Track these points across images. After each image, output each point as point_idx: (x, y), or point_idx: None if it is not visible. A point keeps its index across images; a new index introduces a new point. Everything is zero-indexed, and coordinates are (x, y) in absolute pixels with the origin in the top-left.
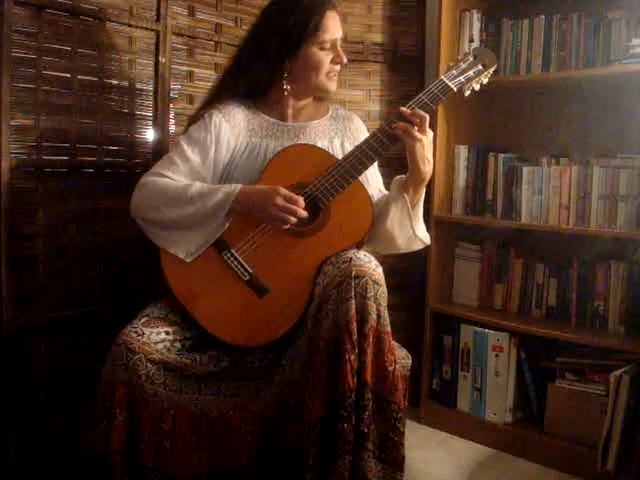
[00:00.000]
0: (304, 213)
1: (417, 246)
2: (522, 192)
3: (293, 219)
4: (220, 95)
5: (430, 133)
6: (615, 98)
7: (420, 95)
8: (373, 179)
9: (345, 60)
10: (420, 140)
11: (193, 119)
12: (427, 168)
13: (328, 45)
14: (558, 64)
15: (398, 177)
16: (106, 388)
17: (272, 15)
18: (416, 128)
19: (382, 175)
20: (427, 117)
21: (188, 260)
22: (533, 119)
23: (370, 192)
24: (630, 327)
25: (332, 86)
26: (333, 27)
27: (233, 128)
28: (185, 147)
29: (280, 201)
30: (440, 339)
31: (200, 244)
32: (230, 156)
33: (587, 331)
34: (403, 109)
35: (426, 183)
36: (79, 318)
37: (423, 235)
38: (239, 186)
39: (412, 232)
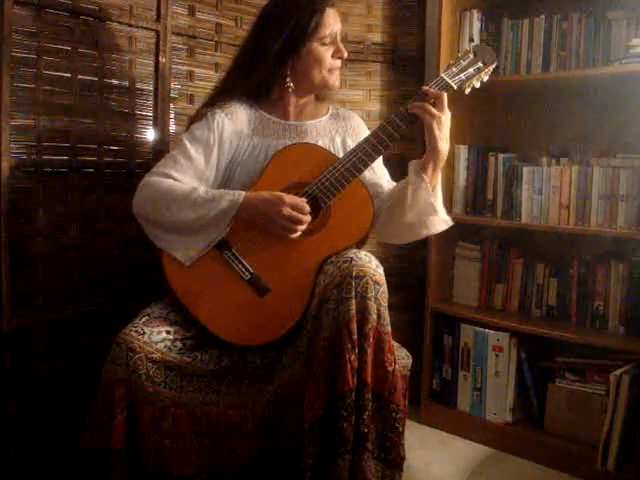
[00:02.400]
0: (309, 219)
1: (441, 227)
2: (522, 192)
3: (301, 228)
4: (222, 94)
5: (448, 113)
6: (615, 98)
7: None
8: (380, 170)
9: (345, 54)
10: (439, 117)
11: (195, 117)
12: (445, 146)
13: (328, 40)
14: (558, 64)
15: (414, 161)
16: (106, 387)
17: (273, 14)
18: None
19: None
20: (444, 94)
21: (187, 264)
22: (533, 119)
23: (380, 181)
24: (630, 327)
25: (335, 81)
26: (333, 22)
27: (235, 127)
28: (188, 146)
29: (287, 211)
30: (440, 339)
31: (200, 249)
32: (232, 155)
33: (587, 331)
34: (426, 87)
35: (444, 162)
36: (79, 318)
37: (446, 216)
38: (243, 194)
39: (436, 211)
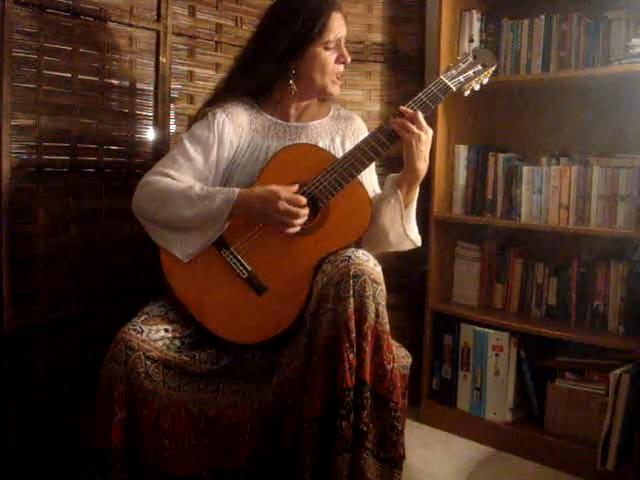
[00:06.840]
0: (306, 212)
1: (407, 246)
2: (522, 192)
3: (298, 222)
4: (224, 94)
5: (430, 131)
6: (615, 98)
7: (419, 95)
8: (368, 178)
9: (349, 60)
10: (418, 136)
11: (196, 117)
12: (423, 165)
13: (333, 45)
14: (558, 64)
15: (392, 175)
16: (105, 386)
17: (278, 15)
18: (415, 125)
19: (381, 175)
20: (418, 114)
21: (185, 261)
22: (533, 119)
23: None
24: (630, 327)
25: (335, 89)
26: (338, 27)
27: (236, 128)
28: (188, 145)
29: (282, 205)
30: (440, 339)
31: (198, 246)
32: (232, 156)
33: (587, 331)
34: (402, 107)
35: (420, 182)
36: (79, 318)
37: (414, 236)
38: (237, 191)
39: (403, 230)
